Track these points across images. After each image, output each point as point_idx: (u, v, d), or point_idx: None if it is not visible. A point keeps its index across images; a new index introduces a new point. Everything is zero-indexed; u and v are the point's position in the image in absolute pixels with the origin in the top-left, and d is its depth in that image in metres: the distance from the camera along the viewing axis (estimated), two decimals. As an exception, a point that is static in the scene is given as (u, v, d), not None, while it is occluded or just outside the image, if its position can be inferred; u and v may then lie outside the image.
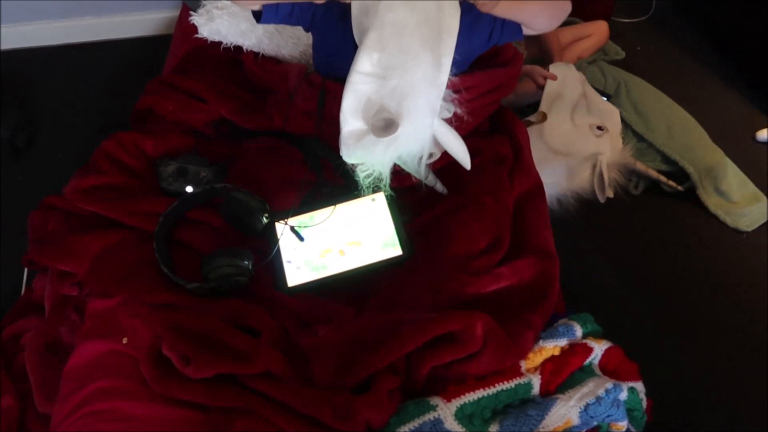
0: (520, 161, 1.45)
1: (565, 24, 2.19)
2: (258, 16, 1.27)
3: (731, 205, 1.78)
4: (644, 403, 1.21)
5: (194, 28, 1.71)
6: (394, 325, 1.11)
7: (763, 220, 1.77)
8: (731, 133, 1.93)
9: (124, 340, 1.10)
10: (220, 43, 1.69)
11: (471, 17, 1.24)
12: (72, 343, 1.16)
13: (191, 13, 1.75)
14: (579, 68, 2.11)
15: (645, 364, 1.26)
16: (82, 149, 1.51)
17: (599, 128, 1.81)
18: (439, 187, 1.38)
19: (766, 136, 1.97)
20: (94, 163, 1.40)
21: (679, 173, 1.83)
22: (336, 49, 1.30)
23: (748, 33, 2.15)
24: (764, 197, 1.80)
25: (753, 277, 1.66)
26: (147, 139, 1.43)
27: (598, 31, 2.15)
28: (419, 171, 1.30)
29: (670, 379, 1.46)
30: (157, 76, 1.70)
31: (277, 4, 1.25)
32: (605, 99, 2.00)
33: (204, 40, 1.69)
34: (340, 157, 1.39)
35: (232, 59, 1.67)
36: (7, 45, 2.24)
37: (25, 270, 1.45)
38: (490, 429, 1.07)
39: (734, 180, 1.83)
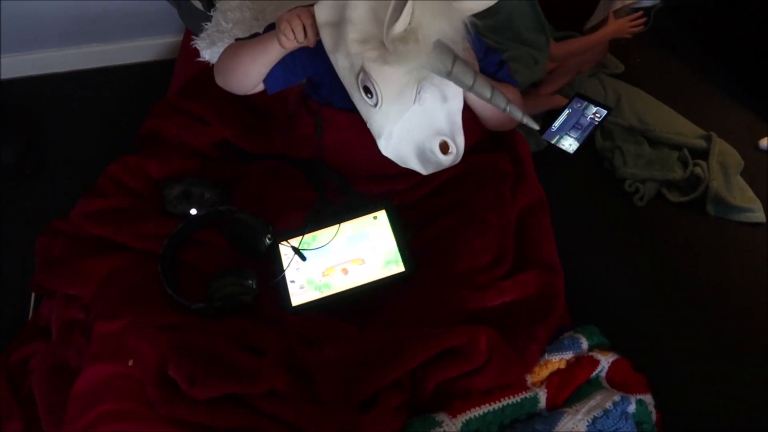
0: (523, 175, 1.45)
1: (563, 39, 2.21)
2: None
3: (729, 197, 1.79)
4: (654, 416, 1.20)
5: (197, 52, 1.74)
6: (399, 341, 1.11)
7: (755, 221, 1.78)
8: (733, 142, 1.93)
9: (130, 362, 1.10)
10: (222, 66, 1.72)
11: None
12: (79, 367, 1.17)
13: (193, 37, 1.78)
14: (579, 82, 2.13)
15: (654, 376, 1.25)
16: (89, 173, 1.53)
17: None
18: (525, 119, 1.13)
19: (767, 145, 1.97)
20: (99, 186, 1.42)
21: (693, 181, 1.84)
22: (330, 83, 1.33)
23: (747, 43, 2.16)
24: (759, 203, 1.80)
25: (763, 287, 1.65)
26: (152, 162, 1.45)
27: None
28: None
29: (680, 392, 1.44)
30: (162, 99, 1.72)
31: (275, 74, 1.30)
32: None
33: (207, 64, 1.72)
34: (342, 178, 1.41)
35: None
36: (14, 73, 2.29)
37: (33, 294, 1.47)
38: (497, 444, 1.06)
39: (739, 181, 1.85)
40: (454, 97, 1.24)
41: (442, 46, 1.06)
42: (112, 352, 1.12)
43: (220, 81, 1.38)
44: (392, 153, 1.26)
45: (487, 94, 1.08)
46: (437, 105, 1.22)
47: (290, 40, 1.17)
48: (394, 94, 1.14)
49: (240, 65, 1.30)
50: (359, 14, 1.10)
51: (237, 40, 1.38)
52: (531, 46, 1.92)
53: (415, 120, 1.21)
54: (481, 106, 1.32)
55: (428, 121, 1.23)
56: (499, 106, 1.10)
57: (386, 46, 1.07)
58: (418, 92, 1.15)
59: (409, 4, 1.02)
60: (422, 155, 1.26)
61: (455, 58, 1.06)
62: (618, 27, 1.99)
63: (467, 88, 1.09)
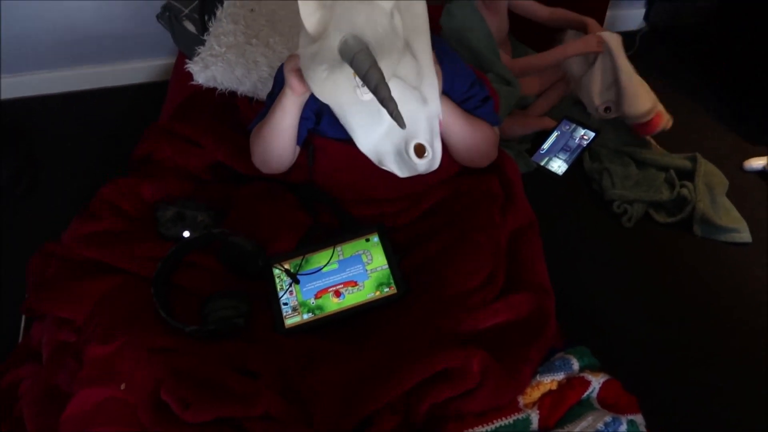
0: (512, 198, 1.47)
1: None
2: None
3: (715, 218, 1.81)
4: (645, 437, 1.20)
5: (190, 75, 1.75)
6: (391, 363, 1.11)
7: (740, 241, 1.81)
8: (719, 163, 1.96)
9: (123, 386, 1.10)
10: (215, 89, 1.73)
11: (454, 66, 1.30)
12: (70, 391, 1.16)
13: (186, 60, 1.80)
14: (564, 106, 2.16)
15: (644, 397, 1.26)
16: (81, 195, 1.53)
17: None
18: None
19: (753, 166, 2.01)
20: (92, 209, 1.42)
21: (680, 202, 1.87)
22: (323, 116, 1.36)
23: (731, 65, 2.21)
24: (744, 223, 1.83)
25: (751, 307, 1.67)
26: (145, 184, 1.46)
27: None
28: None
29: (671, 412, 1.45)
30: (155, 122, 1.73)
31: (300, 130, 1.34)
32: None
33: (200, 87, 1.74)
34: (334, 200, 1.42)
35: (227, 103, 1.71)
36: (8, 95, 2.30)
37: (23, 317, 1.46)
38: (490, 467, 1.06)
39: (724, 202, 1.87)
40: (433, 100, 1.23)
41: (349, 40, 1.05)
42: (104, 376, 1.12)
43: (265, 169, 1.41)
44: (370, 150, 1.26)
45: (371, 86, 1.03)
46: (418, 107, 1.22)
47: (300, 82, 1.20)
48: (327, 90, 1.13)
49: (271, 141, 1.33)
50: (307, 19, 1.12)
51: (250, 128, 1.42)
52: (491, 69, 1.95)
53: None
54: (447, 136, 1.34)
55: (408, 122, 1.19)
56: (385, 108, 1.04)
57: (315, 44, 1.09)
58: (358, 86, 1.11)
59: (317, 4, 1.06)
60: (399, 156, 1.26)
61: (358, 51, 1.04)
62: (581, 44, 1.97)
63: (361, 79, 1.05)
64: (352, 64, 1.05)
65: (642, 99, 1.92)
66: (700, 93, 2.29)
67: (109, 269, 1.30)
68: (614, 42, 1.94)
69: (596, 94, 2.02)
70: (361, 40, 1.05)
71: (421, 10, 1.18)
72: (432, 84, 1.21)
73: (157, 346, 1.15)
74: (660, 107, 1.96)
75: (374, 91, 1.02)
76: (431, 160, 1.25)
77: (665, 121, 1.96)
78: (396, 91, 1.07)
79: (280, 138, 1.32)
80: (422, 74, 1.18)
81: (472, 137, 1.37)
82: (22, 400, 1.24)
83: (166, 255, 1.28)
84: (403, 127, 1.04)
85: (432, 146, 1.25)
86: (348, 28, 1.06)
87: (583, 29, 2.04)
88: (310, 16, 1.07)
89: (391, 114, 1.02)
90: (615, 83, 1.97)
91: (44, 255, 1.38)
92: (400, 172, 1.27)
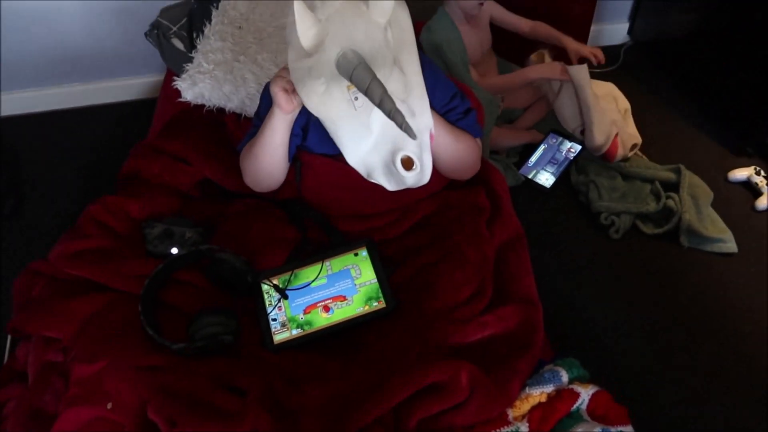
0: (500, 211, 1.48)
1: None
2: None
3: (701, 228, 1.83)
4: (635, 448, 1.20)
5: (179, 92, 1.76)
6: (381, 378, 1.11)
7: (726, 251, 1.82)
8: (703, 174, 1.99)
9: (109, 406, 1.09)
10: (203, 105, 1.74)
11: (435, 78, 1.32)
12: (56, 411, 1.15)
13: (175, 78, 1.81)
14: (550, 119, 2.18)
15: (634, 408, 1.26)
16: (69, 213, 1.52)
17: None
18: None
19: (737, 176, 2.03)
20: (79, 227, 1.41)
21: (666, 213, 1.88)
22: (310, 131, 1.36)
23: (714, 77, 2.24)
24: (730, 233, 1.85)
25: (739, 313, 1.68)
26: (132, 202, 1.45)
27: None
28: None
29: (661, 423, 1.45)
30: (144, 138, 1.73)
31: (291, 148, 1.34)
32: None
33: (188, 104, 1.74)
34: (322, 216, 1.43)
35: (215, 120, 1.72)
36: (-5, 114, 2.28)
37: (9, 337, 1.44)
38: (480, 481, 1.06)
39: (710, 212, 1.89)
40: (422, 113, 1.24)
41: (347, 53, 1.07)
42: (90, 395, 1.11)
43: (258, 188, 1.42)
44: (359, 163, 1.24)
45: (376, 99, 1.04)
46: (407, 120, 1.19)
47: (288, 100, 1.20)
48: (323, 104, 1.14)
49: (262, 161, 1.34)
50: (293, 35, 1.13)
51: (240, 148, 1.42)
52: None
53: (388, 132, 1.21)
54: (435, 149, 1.33)
55: (398, 134, 1.20)
56: (393, 120, 1.05)
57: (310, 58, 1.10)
58: (353, 98, 1.14)
59: (313, 19, 1.07)
60: (387, 169, 1.24)
61: (357, 64, 1.06)
62: (546, 70, 1.99)
63: (363, 92, 1.07)
64: (351, 78, 1.06)
65: (597, 133, 1.94)
66: (684, 105, 2.32)
67: (96, 287, 1.29)
68: (579, 75, 1.94)
69: (569, 118, 2.06)
70: (359, 54, 1.06)
71: (408, 25, 1.20)
72: (421, 96, 1.22)
73: (144, 365, 1.14)
74: (621, 137, 1.98)
75: (379, 104, 1.03)
76: (419, 173, 1.24)
77: (621, 152, 1.97)
78: None
79: (271, 157, 1.33)
80: (410, 87, 1.19)
81: (456, 149, 1.38)
82: (6, 421, 1.23)
83: (153, 272, 1.28)
84: (414, 137, 1.06)
85: (420, 159, 1.24)
86: (346, 42, 1.07)
87: (561, 47, 2.07)
88: (307, 30, 1.08)
89: (400, 126, 1.03)
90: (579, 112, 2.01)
91: (30, 274, 1.37)
92: (389, 185, 1.26)
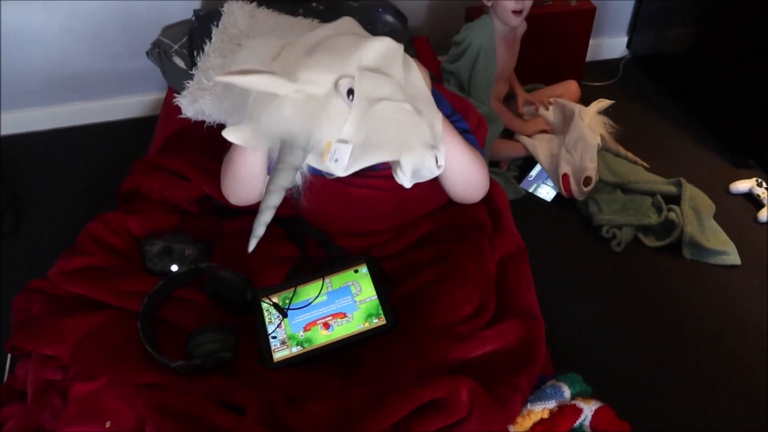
0: (500, 226, 1.47)
1: (531, 90, 2.29)
2: None
3: (704, 240, 1.82)
4: (639, 464, 1.19)
5: (179, 110, 1.77)
6: (380, 395, 1.10)
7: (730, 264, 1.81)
8: (704, 186, 1.99)
9: (108, 424, 1.08)
10: (203, 122, 1.75)
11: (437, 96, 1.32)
12: (55, 430, 1.14)
13: (175, 95, 1.82)
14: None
15: (638, 423, 1.25)
16: (68, 231, 1.52)
17: None
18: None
19: (739, 188, 2.03)
20: (79, 244, 1.41)
21: (668, 226, 1.88)
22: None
23: (713, 90, 2.25)
24: (733, 246, 1.84)
25: (742, 327, 1.67)
26: (132, 219, 1.45)
27: (567, 91, 2.23)
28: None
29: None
30: (143, 156, 1.74)
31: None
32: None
33: (188, 121, 1.75)
34: (321, 233, 1.42)
35: (216, 136, 1.72)
36: (-3, 132, 2.30)
37: (8, 356, 1.44)
38: (482, 499, 1.04)
39: (712, 225, 1.88)
40: (425, 105, 1.20)
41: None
42: (89, 414, 1.10)
43: (239, 201, 1.39)
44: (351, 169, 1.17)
45: (271, 187, 1.14)
46: (415, 120, 1.16)
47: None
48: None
49: (238, 170, 1.32)
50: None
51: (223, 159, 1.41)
52: (477, 98, 1.99)
53: (406, 131, 1.15)
54: (448, 168, 1.28)
55: (417, 134, 1.16)
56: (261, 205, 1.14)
57: None
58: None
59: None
60: (416, 171, 1.17)
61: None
62: (528, 130, 2.13)
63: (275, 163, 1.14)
64: (280, 148, 1.11)
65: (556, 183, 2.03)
66: (683, 118, 2.32)
67: (96, 305, 1.28)
68: (529, 144, 2.11)
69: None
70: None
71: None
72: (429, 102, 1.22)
73: (142, 382, 1.14)
74: (573, 176, 2.00)
75: (267, 190, 1.13)
76: (442, 168, 1.18)
77: (575, 189, 1.97)
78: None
79: (248, 167, 1.30)
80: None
81: (468, 161, 1.34)
82: (5, 440, 1.22)
83: (152, 290, 1.28)
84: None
85: (441, 152, 1.17)
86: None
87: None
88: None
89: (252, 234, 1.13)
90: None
91: (30, 292, 1.37)
92: (408, 182, 1.17)
